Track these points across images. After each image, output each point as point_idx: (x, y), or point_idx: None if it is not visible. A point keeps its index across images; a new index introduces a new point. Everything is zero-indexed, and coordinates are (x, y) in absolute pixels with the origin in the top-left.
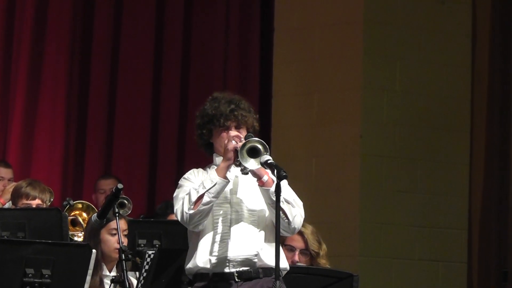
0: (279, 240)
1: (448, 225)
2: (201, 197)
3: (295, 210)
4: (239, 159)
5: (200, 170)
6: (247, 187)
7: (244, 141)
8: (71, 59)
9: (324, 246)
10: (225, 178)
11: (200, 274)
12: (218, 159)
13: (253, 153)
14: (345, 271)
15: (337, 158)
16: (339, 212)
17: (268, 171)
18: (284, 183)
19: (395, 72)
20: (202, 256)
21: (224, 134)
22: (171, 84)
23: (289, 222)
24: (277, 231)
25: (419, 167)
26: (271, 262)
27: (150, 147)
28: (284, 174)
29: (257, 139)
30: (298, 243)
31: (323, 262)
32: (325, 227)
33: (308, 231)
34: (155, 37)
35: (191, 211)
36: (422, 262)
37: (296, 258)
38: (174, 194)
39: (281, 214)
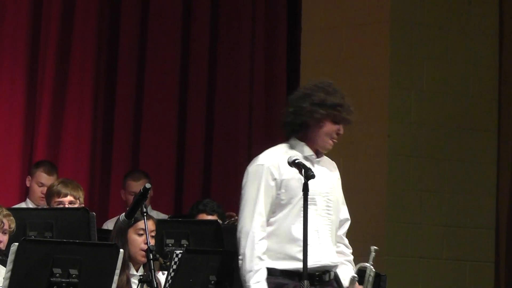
0: (306, 241)
1: (476, 224)
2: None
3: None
4: None
5: (276, 157)
6: (331, 196)
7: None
8: (97, 59)
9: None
10: None
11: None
12: (302, 146)
13: None
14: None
15: (364, 158)
16: (366, 212)
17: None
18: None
19: (422, 71)
20: (292, 263)
21: (333, 127)
22: (198, 83)
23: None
24: (305, 233)
25: (447, 166)
26: None
27: (177, 147)
28: (312, 173)
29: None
30: None
31: None
32: (352, 226)
33: None
34: (182, 38)
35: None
36: (449, 262)
37: None
38: (242, 205)
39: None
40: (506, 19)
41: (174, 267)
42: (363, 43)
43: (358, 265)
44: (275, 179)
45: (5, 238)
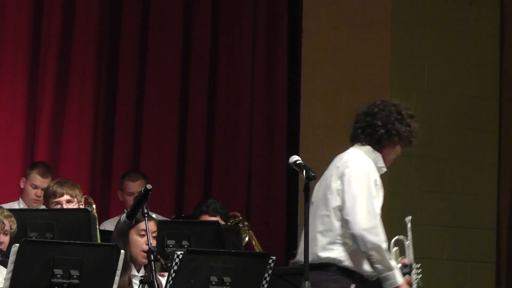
0: (308, 243)
1: (477, 225)
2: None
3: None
4: None
5: (370, 162)
6: None
7: None
8: (98, 59)
9: None
10: None
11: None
12: (378, 156)
13: None
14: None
15: None
16: None
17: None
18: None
19: (423, 72)
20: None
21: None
22: (198, 83)
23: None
24: (306, 233)
25: (448, 167)
26: None
27: (178, 148)
28: (313, 174)
29: None
30: None
31: None
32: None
33: None
34: (183, 38)
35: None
36: (451, 262)
37: None
38: (354, 203)
39: None
40: (507, 19)
41: (175, 268)
42: (364, 43)
43: (396, 237)
44: (374, 180)
45: (6, 239)
